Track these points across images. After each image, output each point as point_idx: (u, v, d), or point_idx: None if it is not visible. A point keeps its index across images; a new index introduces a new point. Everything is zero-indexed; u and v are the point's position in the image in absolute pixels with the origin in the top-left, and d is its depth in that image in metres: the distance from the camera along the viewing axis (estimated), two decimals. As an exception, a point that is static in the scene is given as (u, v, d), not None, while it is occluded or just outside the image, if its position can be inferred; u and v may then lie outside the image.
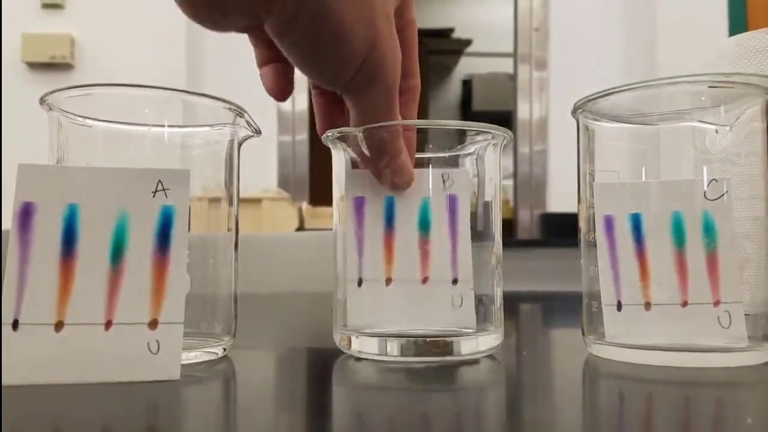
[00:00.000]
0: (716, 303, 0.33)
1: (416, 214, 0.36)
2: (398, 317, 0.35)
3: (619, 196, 0.36)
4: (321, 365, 0.38)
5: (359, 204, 0.36)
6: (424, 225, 0.36)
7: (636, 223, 0.35)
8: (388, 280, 0.35)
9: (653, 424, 0.25)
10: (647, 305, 0.34)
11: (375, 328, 0.35)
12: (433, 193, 0.36)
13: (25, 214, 0.29)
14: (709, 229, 0.34)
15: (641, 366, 0.33)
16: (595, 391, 0.32)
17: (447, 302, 0.35)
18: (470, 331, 0.35)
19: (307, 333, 0.53)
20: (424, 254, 0.35)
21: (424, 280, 0.35)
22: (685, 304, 0.34)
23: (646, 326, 0.34)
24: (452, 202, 0.36)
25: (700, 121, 0.36)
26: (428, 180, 0.36)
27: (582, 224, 0.39)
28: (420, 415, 0.25)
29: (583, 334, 0.38)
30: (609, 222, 0.36)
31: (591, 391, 0.32)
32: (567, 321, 0.55)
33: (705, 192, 0.34)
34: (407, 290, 0.35)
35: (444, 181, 0.36)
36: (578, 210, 0.39)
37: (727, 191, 0.34)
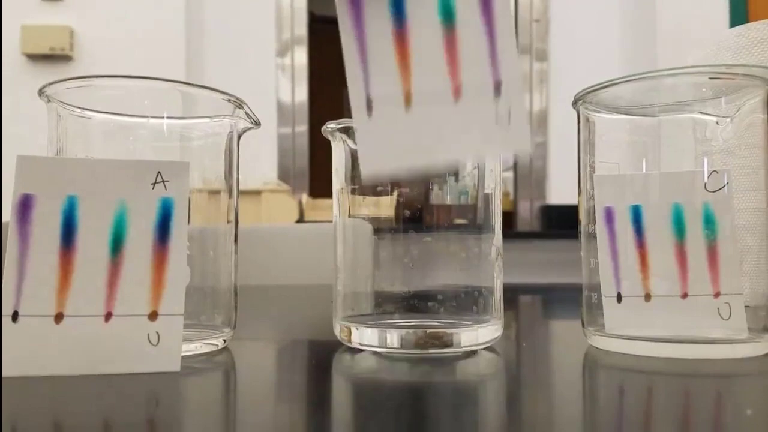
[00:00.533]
0: (716, 294, 0.33)
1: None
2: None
3: (619, 188, 0.36)
4: (321, 357, 0.38)
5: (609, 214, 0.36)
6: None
7: (636, 214, 0.35)
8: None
9: (653, 416, 0.25)
10: (647, 297, 0.34)
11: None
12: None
13: (24, 205, 0.29)
14: (709, 221, 0.34)
15: (641, 357, 0.33)
16: (595, 383, 0.32)
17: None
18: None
19: (307, 325, 0.53)
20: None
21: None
22: (685, 295, 0.34)
23: (646, 318, 0.34)
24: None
25: (700, 112, 0.36)
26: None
27: (582, 216, 0.39)
28: (420, 407, 0.25)
29: (583, 325, 0.38)
30: (609, 214, 0.36)
31: (591, 383, 0.32)
32: (567, 313, 0.55)
33: (705, 184, 0.34)
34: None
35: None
36: (578, 202, 0.39)
37: (727, 183, 0.34)
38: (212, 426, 0.24)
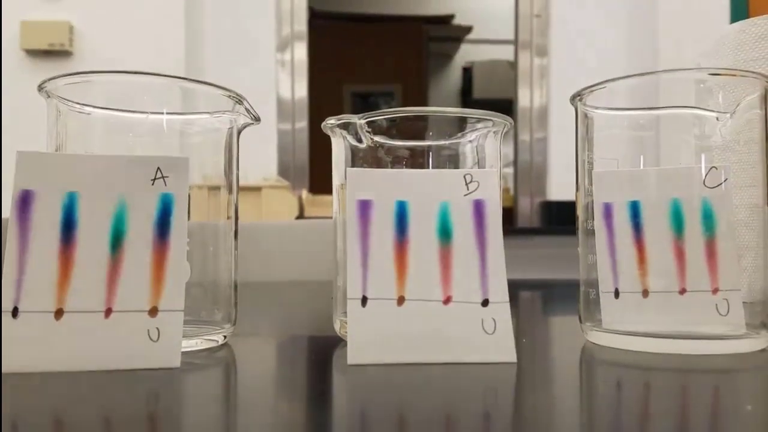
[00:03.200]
0: (714, 290, 0.33)
1: (435, 221, 0.33)
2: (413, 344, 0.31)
3: (617, 184, 0.36)
4: (321, 353, 0.38)
5: (364, 208, 0.33)
6: (445, 233, 0.33)
7: (635, 210, 0.35)
8: (401, 299, 0.32)
9: (650, 411, 0.25)
10: (645, 293, 0.34)
11: (384, 359, 0.31)
12: (454, 197, 0.33)
13: (24, 201, 0.29)
14: (708, 217, 0.34)
15: (638, 353, 0.33)
16: (592, 378, 0.32)
17: (477, 327, 0.32)
18: (513, 361, 0.31)
19: (307, 321, 0.53)
20: (446, 268, 0.32)
21: (447, 300, 0.32)
22: (683, 291, 0.34)
23: (643, 313, 0.34)
24: (478, 207, 0.33)
25: (699, 108, 0.36)
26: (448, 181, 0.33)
27: (580, 212, 0.39)
28: (419, 401, 0.26)
29: (581, 321, 0.38)
30: (608, 210, 0.36)
31: (588, 378, 0.32)
32: (566, 308, 0.55)
33: (704, 179, 0.34)
34: (425, 312, 0.32)
35: (467, 184, 0.33)
36: (576, 198, 0.39)
37: (726, 179, 0.34)
38: (212, 422, 0.24)
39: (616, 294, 0.35)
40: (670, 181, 0.35)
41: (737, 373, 0.30)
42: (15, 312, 0.29)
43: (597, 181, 0.36)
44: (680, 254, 0.34)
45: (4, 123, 1.68)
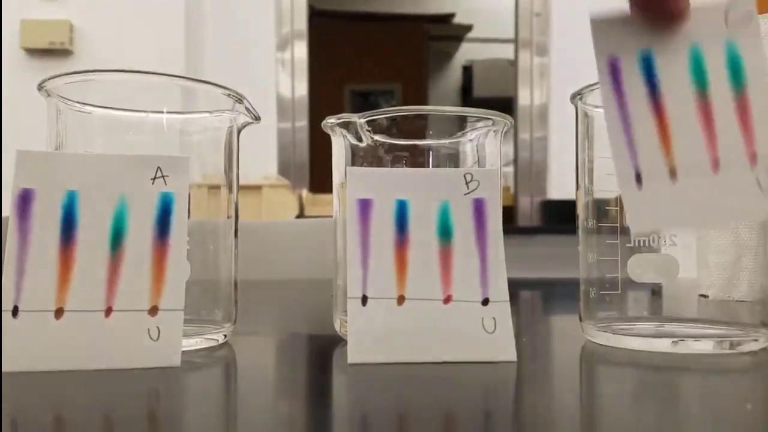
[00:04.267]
0: (752, 157, 0.28)
1: (435, 220, 0.33)
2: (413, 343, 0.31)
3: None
4: (321, 352, 0.38)
5: (365, 207, 0.33)
6: (445, 233, 0.33)
7: (648, 65, 0.29)
8: (401, 299, 0.32)
9: (649, 410, 0.25)
10: (672, 173, 0.29)
11: (384, 358, 0.31)
12: (454, 196, 0.33)
13: (24, 200, 0.29)
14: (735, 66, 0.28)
15: (637, 352, 0.33)
16: (592, 377, 0.32)
17: (477, 326, 0.32)
18: (513, 360, 0.31)
19: (307, 319, 0.53)
20: (446, 268, 0.32)
21: (447, 299, 0.32)
22: (716, 165, 0.28)
23: (672, 202, 0.29)
24: (478, 206, 0.33)
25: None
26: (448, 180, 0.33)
27: (580, 211, 0.39)
28: (419, 400, 0.26)
29: (581, 320, 0.38)
30: (614, 66, 0.30)
31: (588, 377, 0.32)
32: (566, 307, 0.55)
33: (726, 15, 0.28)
34: (425, 311, 0.32)
35: (467, 183, 0.33)
36: (577, 197, 0.39)
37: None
38: (213, 420, 0.24)
39: (638, 179, 0.29)
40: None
41: (737, 372, 0.30)
42: (15, 311, 0.29)
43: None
44: (707, 117, 0.29)
45: (4, 122, 1.68)
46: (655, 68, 0.29)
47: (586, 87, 0.37)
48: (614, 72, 0.30)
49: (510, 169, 2.30)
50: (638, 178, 0.29)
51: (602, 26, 0.30)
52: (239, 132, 0.39)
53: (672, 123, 0.29)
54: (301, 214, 1.81)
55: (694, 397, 0.27)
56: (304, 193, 1.89)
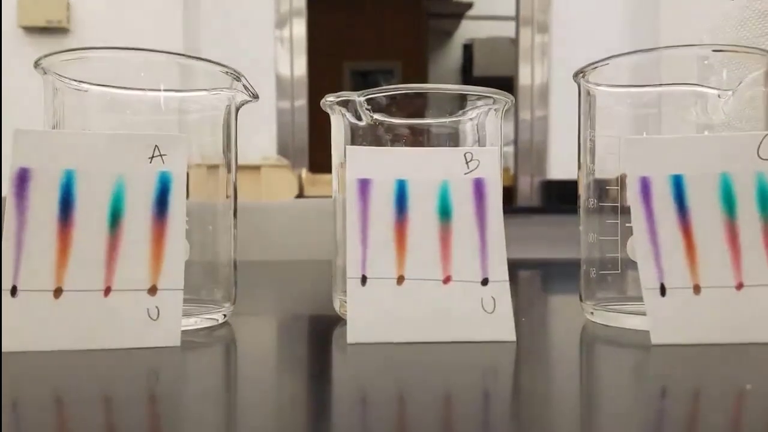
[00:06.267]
0: None
1: (435, 200, 0.33)
2: (413, 323, 0.31)
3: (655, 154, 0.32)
4: (321, 331, 0.38)
5: (364, 187, 0.33)
6: (445, 213, 0.32)
7: (678, 186, 0.31)
8: (400, 279, 0.32)
9: (650, 390, 0.25)
10: (696, 288, 0.31)
11: (383, 338, 0.31)
12: (454, 175, 0.33)
13: (22, 179, 0.29)
14: (765, 195, 0.30)
15: (637, 331, 0.33)
16: (592, 357, 0.32)
17: (476, 306, 0.32)
18: (513, 340, 0.31)
19: (306, 300, 0.53)
20: (446, 248, 0.32)
21: (446, 279, 0.32)
22: (739, 286, 0.30)
23: (695, 313, 0.30)
24: (478, 186, 0.33)
25: (702, 86, 0.36)
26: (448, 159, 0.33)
27: (582, 191, 0.39)
28: (418, 380, 0.26)
29: (581, 299, 0.38)
30: (645, 185, 0.32)
31: (587, 357, 0.32)
32: (566, 287, 0.55)
33: (758, 150, 0.31)
34: (424, 291, 0.32)
35: (467, 162, 0.33)
36: (578, 176, 0.39)
37: None
38: (213, 399, 0.24)
39: (663, 291, 0.31)
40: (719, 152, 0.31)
41: (736, 350, 0.30)
42: (14, 291, 0.28)
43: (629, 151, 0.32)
44: (734, 240, 0.31)
45: (2, 101, 1.67)
46: (685, 190, 0.31)
47: (589, 65, 0.37)
48: (645, 189, 0.31)
49: (510, 149, 2.29)
50: (663, 290, 0.31)
51: (636, 146, 0.32)
52: (237, 110, 0.39)
53: (699, 243, 0.31)
54: (300, 195, 1.80)
55: (693, 375, 0.27)
56: (304, 173, 1.89)
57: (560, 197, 2.01)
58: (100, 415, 0.22)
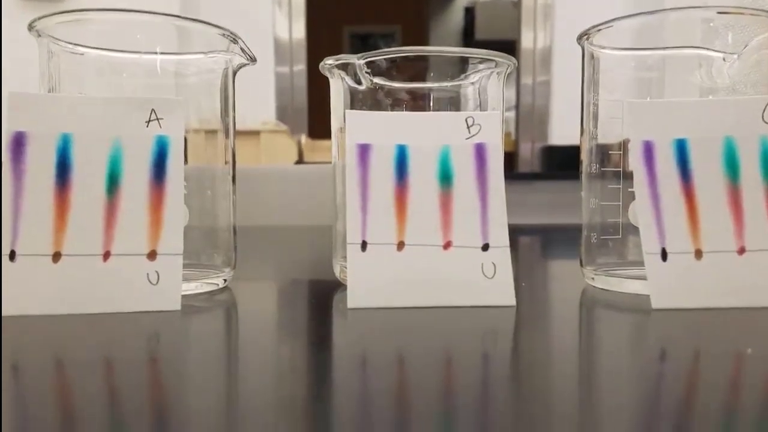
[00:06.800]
0: None
1: (435, 165, 0.32)
2: (413, 288, 0.31)
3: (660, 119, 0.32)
4: (321, 296, 0.38)
5: (364, 152, 0.33)
6: (446, 178, 0.32)
7: (681, 150, 0.31)
8: (401, 244, 0.32)
9: (649, 353, 0.25)
10: (698, 253, 0.30)
11: (383, 302, 0.31)
12: (456, 140, 0.32)
13: (17, 143, 0.29)
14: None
15: (638, 295, 0.33)
16: (591, 321, 0.33)
17: (477, 272, 0.32)
18: (512, 305, 0.31)
19: (307, 265, 0.53)
20: (446, 213, 0.32)
21: (447, 245, 0.32)
22: (741, 251, 0.30)
23: (696, 279, 0.30)
24: (480, 151, 0.32)
25: (706, 49, 0.35)
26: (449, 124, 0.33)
27: (584, 156, 0.38)
28: (418, 344, 0.26)
29: (582, 264, 0.38)
30: (648, 150, 0.31)
31: (587, 321, 0.32)
32: (566, 253, 0.56)
33: (764, 113, 0.31)
34: (424, 257, 0.32)
35: (469, 127, 0.33)
36: (580, 141, 0.39)
37: None
38: (214, 363, 0.24)
39: (664, 255, 0.31)
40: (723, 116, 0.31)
41: (736, 314, 0.30)
42: (12, 255, 0.28)
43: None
44: (737, 205, 0.30)
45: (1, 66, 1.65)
46: (689, 154, 0.31)
47: (593, 27, 0.36)
48: (648, 153, 0.31)
49: (512, 114, 2.27)
50: (664, 255, 0.30)
51: (640, 110, 0.32)
52: (235, 74, 0.38)
53: (701, 207, 0.31)
54: (300, 160, 1.80)
55: (693, 339, 0.27)
56: (303, 138, 1.88)
57: (561, 163, 2.00)
58: (101, 378, 0.22)
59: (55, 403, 0.20)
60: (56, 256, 0.29)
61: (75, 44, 0.34)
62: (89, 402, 0.19)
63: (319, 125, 2.12)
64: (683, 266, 0.30)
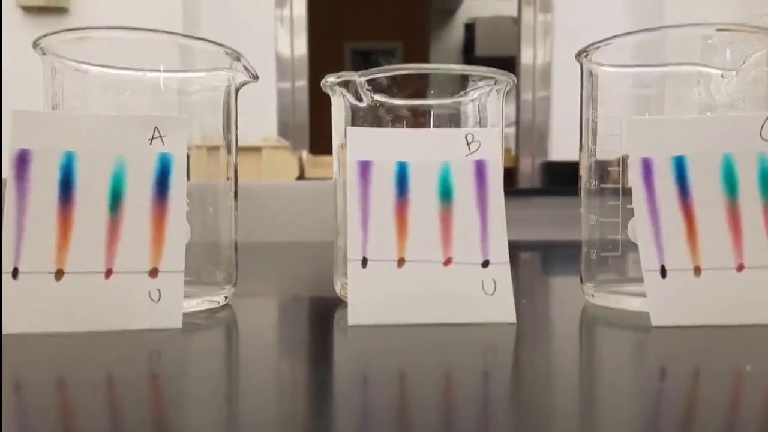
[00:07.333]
0: None
1: (436, 182, 0.32)
2: (414, 305, 0.31)
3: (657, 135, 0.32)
4: (322, 313, 0.38)
5: (365, 169, 0.33)
6: (446, 194, 0.32)
7: (680, 167, 0.31)
8: (401, 261, 0.32)
9: (648, 370, 0.25)
10: (696, 270, 0.31)
11: (384, 319, 0.31)
12: (456, 157, 0.33)
13: (22, 161, 0.29)
14: (766, 176, 0.30)
15: (638, 313, 0.33)
16: (592, 338, 0.33)
17: (477, 288, 0.32)
18: (513, 322, 0.31)
19: (307, 282, 0.53)
20: (446, 230, 0.32)
21: (447, 261, 0.32)
22: (740, 268, 0.30)
23: (696, 296, 0.30)
24: (479, 168, 0.33)
25: (705, 66, 0.36)
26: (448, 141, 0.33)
27: (583, 172, 0.38)
28: (419, 360, 0.26)
29: (582, 281, 0.38)
30: (647, 167, 0.32)
31: (587, 338, 0.32)
32: (566, 269, 0.56)
33: (761, 131, 0.31)
34: (425, 273, 0.32)
35: (468, 144, 0.33)
36: (579, 158, 0.39)
37: None
38: (215, 380, 0.24)
39: (663, 273, 0.31)
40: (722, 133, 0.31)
41: (735, 333, 0.30)
42: (15, 273, 0.29)
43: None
44: (735, 222, 0.30)
45: (2, 82, 1.66)
46: (688, 171, 0.31)
47: (592, 44, 0.36)
48: (647, 170, 0.31)
49: (512, 130, 2.28)
50: (663, 272, 0.31)
51: (638, 127, 0.32)
52: (237, 91, 0.39)
53: (700, 224, 0.31)
54: (301, 176, 1.80)
55: (693, 356, 0.27)
56: (304, 154, 1.88)
57: (561, 178, 2.01)
58: (102, 396, 0.22)
59: (57, 419, 0.20)
60: (59, 274, 0.29)
61: (79, 62, 0.34)
62: (91, 419, 0.19)
63: (320, 141, 2.13)
64: (682, 283, 0.30)
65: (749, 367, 0.24)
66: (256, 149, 1.66)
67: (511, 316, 0.31)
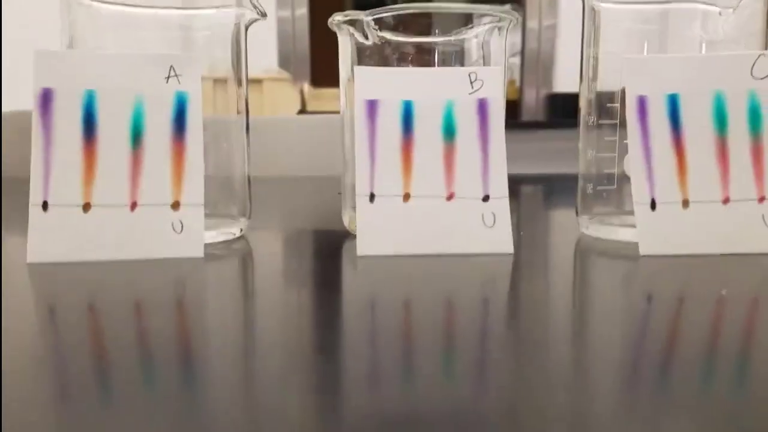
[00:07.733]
0: (761, 199, 0.32)
1: (440, 120, 0.34)
2: (418, 237, 0.33)
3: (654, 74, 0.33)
4: (331, 245, 0.40)
5: (372, 108, 0.34)
6: (449, 132, 0.34)
7: (673, 105, 0.32)
8: (406, 196, 0.34)
9: (639, 297, 0.28)
10: (685, 203, 0.32)
11: (390, 250, 0.33)
12: (459, 95, 0.34)
13: (45, 99, 0.30)
14: (755, 114, 0.31)
15: (630, 243, 0.35)
16: (585, 267, 0.35)
17: (477, 221, 0.34)
18: (510, 252, 0.33)
19: (316, 215, 0.55)
20: (449, 166, 0.34)
21: (450, 196, 0.34)
22: (726, 201, 0.32)
23: (684, 227, 0.32)
24: (482, 106, 0.34)
25: (704, 2, 0.36)
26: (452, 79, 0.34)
27: (582, 107, 0.40)
28: (422, 288, 0.28)
29: (577, 214, 0.40)
30: (642, 104, 0.33)
31: (581, 268, 0.34)
32: (565, 202, 0.57)
33: (752, 69, 0.32)
34: (429, 208, 0.34)
35: (472, 82, 0.34)
36: (580, 91, 0.40)
37: None
38: (235, 306, 0.26)
39: (653, 205, 0.33)
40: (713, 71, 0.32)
41: (722, 261, 0.32)
42: (45, 205, 0.30)
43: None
44: (723, 157, 0.32)
45: (16, 19, 1.63)
46: (680, 108, 0.32)
47: (593, -19, 0.37)
48: (641, 107, 0.33)
49: (516, 60, 2.24)
50: (653, 204, 0.32)
51: (634, 65, 0.33)
52: (247, 29, 0.39)
53: (690, 159, 0.32)
54: (303, 109, 1.79)
55: (677, 282, 0.29)
56: (306, 87, 1.86)
57: (565, 111, 1.99)
58: (132, 318, 0.24)
59: (88, 340, 0.22)
60: (86, 207, 0.31)
61: (93, -1, 0.35)
62: (121, 339, 0.21)
63: (321, 72, 2.10)
64: (671, 215, 0.32)
65: (725, 291, 0.26)
66: (258, 81, 1.64)
67: (509, 247, 0.33)
